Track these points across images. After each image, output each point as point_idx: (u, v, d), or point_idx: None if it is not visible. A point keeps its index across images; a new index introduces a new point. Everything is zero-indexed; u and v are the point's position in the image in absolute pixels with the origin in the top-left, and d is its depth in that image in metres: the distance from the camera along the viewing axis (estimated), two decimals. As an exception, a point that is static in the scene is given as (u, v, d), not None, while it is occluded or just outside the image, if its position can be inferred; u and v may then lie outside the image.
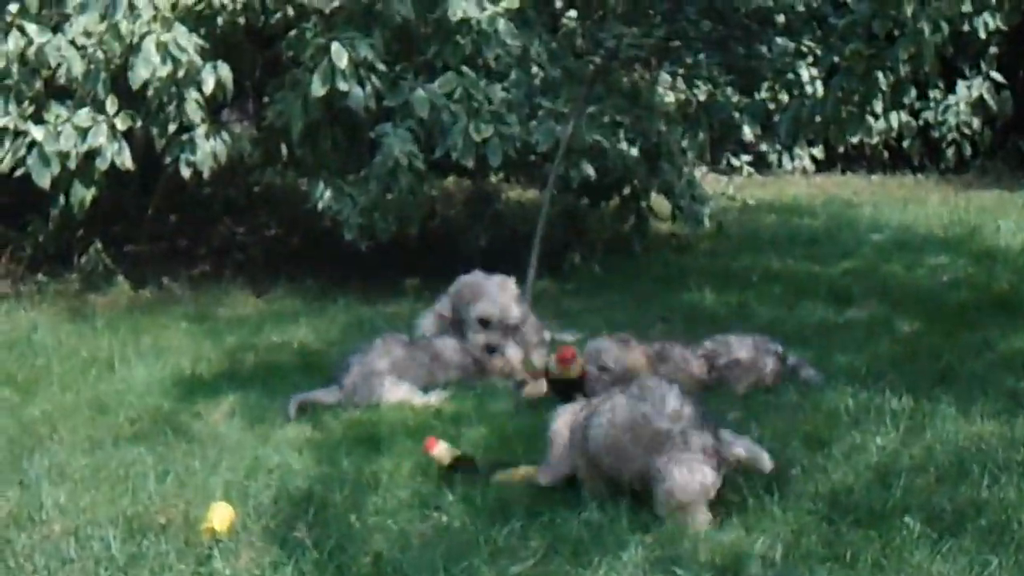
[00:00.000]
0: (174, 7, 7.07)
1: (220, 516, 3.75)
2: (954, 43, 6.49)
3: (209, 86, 7.09)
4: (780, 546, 3.46)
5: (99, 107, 7.00)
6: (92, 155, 6.94)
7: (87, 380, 5.61)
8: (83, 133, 6.92)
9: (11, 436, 4.79)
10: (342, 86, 6.85)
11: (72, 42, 6.91)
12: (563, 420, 4.01)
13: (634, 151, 8.19)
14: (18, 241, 8.36)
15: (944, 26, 6.06)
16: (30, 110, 7.02)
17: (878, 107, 9.87)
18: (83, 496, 4.03)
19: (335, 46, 6.83)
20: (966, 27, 6.31)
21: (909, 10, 5.96)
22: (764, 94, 9.10)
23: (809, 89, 7.80)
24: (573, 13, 8.68)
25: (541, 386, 5.07)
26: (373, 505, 3.91)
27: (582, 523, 3.64)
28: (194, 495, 4.02)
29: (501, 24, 7.16)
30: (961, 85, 11.86)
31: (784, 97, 8.48)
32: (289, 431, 4.78)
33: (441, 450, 4.16)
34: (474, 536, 3.59)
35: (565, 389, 4.86)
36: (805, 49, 8.12)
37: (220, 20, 7.40)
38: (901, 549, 3.41)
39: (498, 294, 5.60)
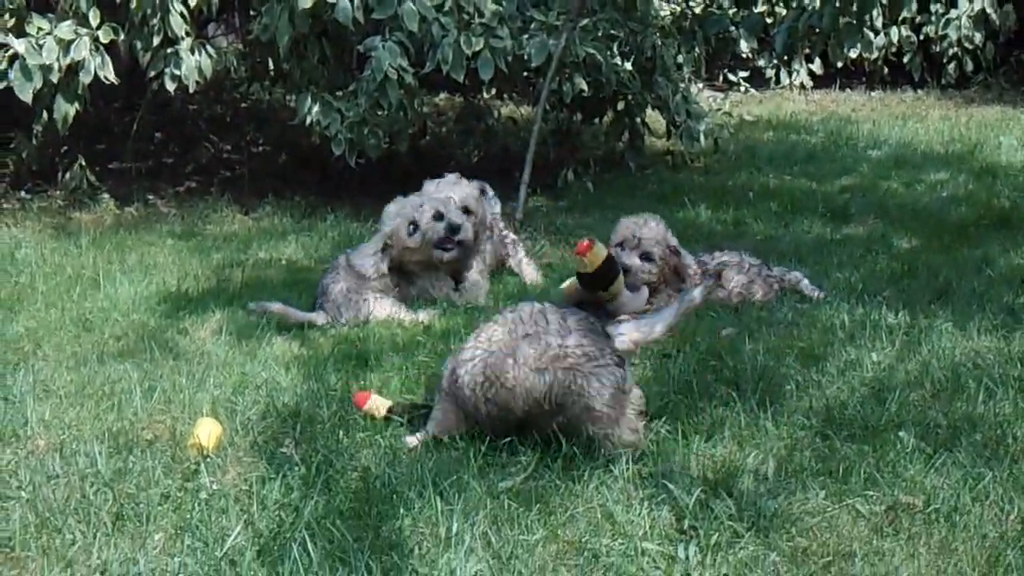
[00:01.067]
0: (158, -86, 6.87)
1: (207, 432, 3.72)
2: (957, -47, 6.31)
3: (193, -2, 6.95)
4: (772, 461, 3.45)
5: (82, 20, 6.86)
6: (75, 69, 6.82)
7: (72, 297, 5.56)
8: (66, 46, 6.79)
9: (-5, 352, 4.74)
10: (329, -2, 6.69)
11: (53, -49, 6.75)
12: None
13: (628, 65, 8.04)
14: (1, 158, 8.24)
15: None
16: (11, 23, 6.85)
17: (878, 22, 9.71)
18: (68, 412, 4.01)
19: (322, -44, 6.66)
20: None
21: (911, -84, 5.79)
22: (761, 7, 8.90)
23: (807, 1, 7.58)
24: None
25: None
26: (361, 421, 3.88)
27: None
28: (181, 411, 4.00)
29: (493, -68, 6.97)
30: (963, -2, 11.66)
31: (782, 10, 8.27)
32: (276, 347, 4.74)
33: (374, 403, 3.93)
34: (463, 451, 3.56)
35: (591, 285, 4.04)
36: (805, -42, 7.92)
37: (204, -72, 7.22)
38: (895, 463, 3.40)
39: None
